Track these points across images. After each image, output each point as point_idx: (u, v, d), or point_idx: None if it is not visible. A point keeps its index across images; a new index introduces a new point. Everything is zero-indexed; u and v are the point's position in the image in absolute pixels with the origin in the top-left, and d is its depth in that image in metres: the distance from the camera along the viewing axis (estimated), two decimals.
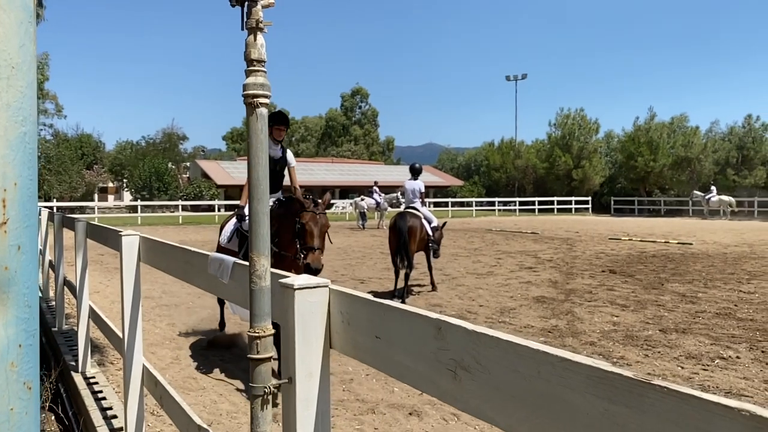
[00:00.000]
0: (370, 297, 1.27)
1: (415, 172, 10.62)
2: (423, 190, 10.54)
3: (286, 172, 5.98)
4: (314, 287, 1.37)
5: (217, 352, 6.13)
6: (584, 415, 0.79)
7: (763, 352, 5.86)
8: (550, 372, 0.83)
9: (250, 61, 1.32)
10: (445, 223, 10.63)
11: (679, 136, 44.00)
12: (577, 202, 45.59)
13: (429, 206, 10.27)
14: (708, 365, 5.48)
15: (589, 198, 46.28)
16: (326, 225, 4.99)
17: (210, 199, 41.13)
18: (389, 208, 26.49)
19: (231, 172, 48.84)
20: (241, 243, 5.65)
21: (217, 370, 5.50)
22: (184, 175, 56.20)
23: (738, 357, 5.71)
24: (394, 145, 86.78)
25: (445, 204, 42.04)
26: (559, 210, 44.58)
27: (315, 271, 4.61)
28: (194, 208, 40.22)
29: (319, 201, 5.08)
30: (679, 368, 5.42)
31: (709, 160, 43.22)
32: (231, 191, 46.06)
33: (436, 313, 1.00)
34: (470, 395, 0.98)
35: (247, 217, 4.59)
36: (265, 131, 1.34)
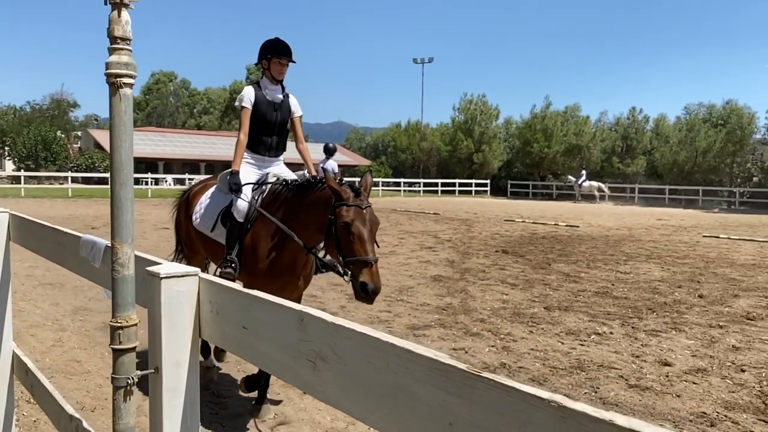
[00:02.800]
0: (238, 287, 1.25)
1: (330, 152, 10.58)
2: (337, 170, 10.54)
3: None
4: (182, 276, 1.33)
5: (107, 334, 5.83)
6: (425, 405, 0.82)
7: (633, 327, 6.40)
8: (397, 363, 0.86)
9: (113, 39, 1.24)
10: None
11: (572, 125, 46.63)
12: (477, 185, 47.27)
13: None
14: (585, 340, 5.91)
15: (488, 181, 48.13)
16: (377, 223, 3.33)
17: (104, 172, 38.71)
18: None
19: None
20: (233, 233, 3.82)
21: (105, 353, 5.24)
22: (74, 145, 52.57)
23: (611, 332, 6.20)
24: (302, 122, 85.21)
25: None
26: (460, 192, 46.02)
27: (372, 294, 3.12)
28: (86, 181, 37.74)
29: (359, 187, 3.34)
30: (560, 344, 5.80)
31: (598, 148, 46.15)
32: None
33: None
34: (327, 385, 1.00)
35: (243, 188, 3.90)
36: (129, 113, 1.27)
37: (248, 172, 4.11)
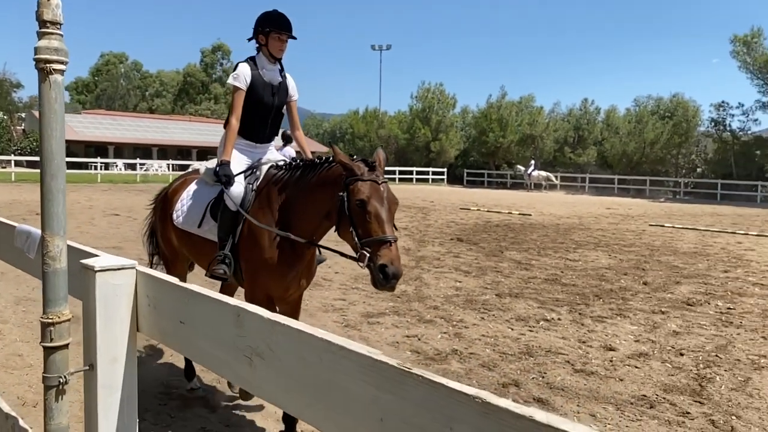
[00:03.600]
0: (175, 280, 1.23)
1: (288, 139, 10.38)
2: (294, 156, 10.44)
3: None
4: (118, 269, 1.30)
5: None
6: (358, 401, 0.83)
7: (580, 314, 6.59)
8: (331, 360, 0.86)
9: (42, 22, 1.18)
10: None
11: (526, 115, 47.36)
12: (434, 173, 47.60)
13: None
14: (534, 327, 6.05)
15: (445, 169, 48.52)
16: (395, 200, 3.04)
17: None
18: None
19: (75, 126, 44.44)
20: (226, 224, 3.45)
21: None
22: (18, 127, 50.40)
23: (559, 319, 6.37)
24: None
25: None
26: (417, 180, 46.28)
27: (393, 279, 2.76)
28: (30, 164, 36.21)
29: (373, 161, 3.05)
30: (510, 330, 5.93)
31: (551, 139, 47.07)
32: (75, 147, 41.98)
33: None
34: (263, 381, 0.99)
35: (235, 179, 3.50)
36: (61, 101, 1.22)
37: (239, 160, 3.67)
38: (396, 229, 2.95)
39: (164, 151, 51.15)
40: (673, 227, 16.70)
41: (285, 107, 3.89)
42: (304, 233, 3.24)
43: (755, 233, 15.54)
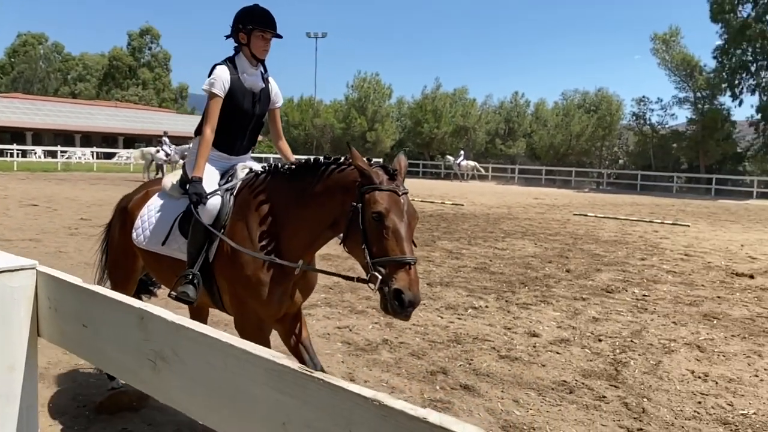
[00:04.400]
0: (78, 281, 1.17)
1: None
2: None
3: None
4: (16, 270, 1.23)
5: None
6: (262, 405, 0.82)
7: (506, 301, 6.80)
8: (234, 364, 0.85)
9: None
10: None
11: (459, 107, 48.23)
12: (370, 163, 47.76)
13: None
14: (462, 314, 6.20)
15: (381, 159, 48.65)
16: (416, 215, 2.67)
17: None
18: (180, 161, 25.20)
19: None
20: (197, 241, 3.03)
21: None
22: None
23: (487, 306, 6.55)
24: (188, 93, 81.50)
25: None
26: None
27: (410, 307, 2.46)
28: None
29: (394, 169, 2.70)
30: (439, 318, 6.04)
31: (483, 130, 48.15)
32: None
33: None
34: (168, 386, 0.97)
35: (209, 197, 3.04)
36: None
37: (211, 175, 3.21)
38: (415, 246, 2.61)
39: (88, 138, 48.81)
40: (596, 216, 17.48)
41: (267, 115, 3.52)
42: (298, 247, 2.89)
43: (670, 222, 16.49)
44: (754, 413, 3.98)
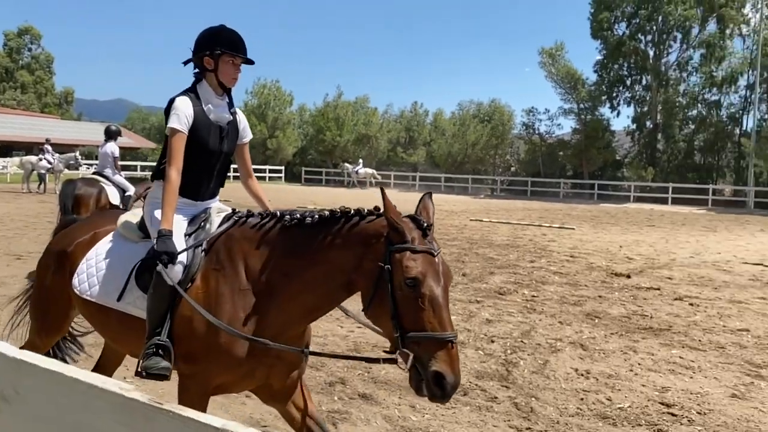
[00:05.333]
0: None
1: (113, 135, 9.85)
2: (117, 154, 9.73)
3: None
4: None
5: None
6: None
7: None
8: (81, 400, 0.79)
9: None
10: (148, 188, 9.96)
11: (361, 115, 48.75)
12: (271, 171, 46.94)
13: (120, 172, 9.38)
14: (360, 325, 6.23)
15: (283, 167, 48.12)
16: (451, 277, 2.36)
17: None
18: (65, 170, 23.62)
19: None
20: (164, 301, 2.52)
21: None
22: None
23: None
24: (73, 98, 76.28)
25: (134, 168, 39.02)
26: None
27: (451, 391, 2.13)
28: None
29: (424, 222, 2.35)
30: (339, 327, 6.04)
31: (384, 139, 48.94)
32: None
33: None
34: (10, 428, 0.89)
35: (180, 254, 2.55)
36: None
37: (179, 224, 2.74)
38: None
39: None
40: (491, 221, 18.25)
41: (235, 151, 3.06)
42: (296, 313, 2.51)
43: (557, 225, 17.53)
44: (629, 406, 4.30)
